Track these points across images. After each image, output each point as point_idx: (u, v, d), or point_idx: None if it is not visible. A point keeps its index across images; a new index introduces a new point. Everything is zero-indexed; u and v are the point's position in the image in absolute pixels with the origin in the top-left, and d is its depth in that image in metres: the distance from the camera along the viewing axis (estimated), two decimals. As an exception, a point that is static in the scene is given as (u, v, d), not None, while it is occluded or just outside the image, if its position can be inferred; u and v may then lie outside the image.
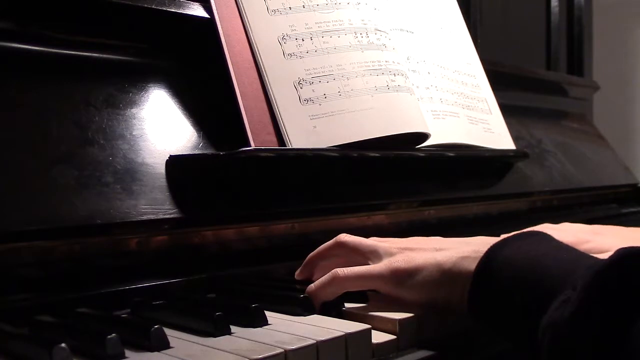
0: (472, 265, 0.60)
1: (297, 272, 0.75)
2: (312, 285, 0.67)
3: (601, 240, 0.84)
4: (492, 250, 0.60)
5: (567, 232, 0.85)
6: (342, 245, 0.72)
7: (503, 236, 0.62)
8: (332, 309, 0.65)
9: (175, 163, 0.74)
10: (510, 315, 0.57)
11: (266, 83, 0.82)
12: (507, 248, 0.59)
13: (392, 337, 0.59)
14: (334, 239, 0.73)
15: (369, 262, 0.69)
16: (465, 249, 0.62)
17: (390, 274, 0.65)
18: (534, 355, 0.52)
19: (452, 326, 0.64)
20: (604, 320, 0.47)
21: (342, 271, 0.66)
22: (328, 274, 0.67)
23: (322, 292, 0.66)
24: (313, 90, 0.84)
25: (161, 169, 0.73)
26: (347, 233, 0.73)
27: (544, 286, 0.54)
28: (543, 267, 0.55)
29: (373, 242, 0.70)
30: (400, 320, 0.60)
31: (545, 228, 0.87)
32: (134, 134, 0.74)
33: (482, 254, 0.60)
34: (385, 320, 0.61)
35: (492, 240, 0.62)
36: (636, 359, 0.46)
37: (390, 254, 0.67)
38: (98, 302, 0.65)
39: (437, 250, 0.65)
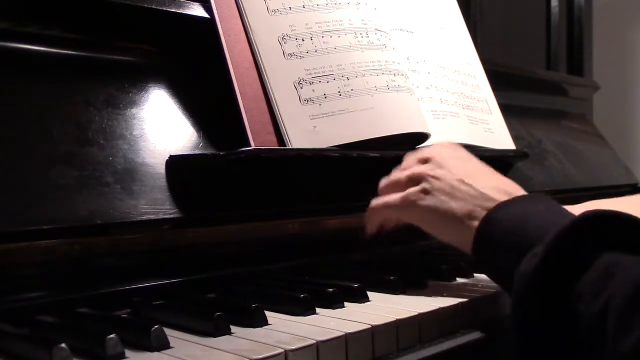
0: (476, 223, 0.67)
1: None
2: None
3: None
4: (494, 210, 0.67)
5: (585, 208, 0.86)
6: (397, 183, 0.77)
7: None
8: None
9: (175, 163, 0.74)
10: (500, 265, 0.64)
11: (266, 83, 0.82)
12: (505, 208, 0.67)
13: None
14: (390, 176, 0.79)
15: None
16: (477, 202, 0.69)
17: (402, 204, 0.74)
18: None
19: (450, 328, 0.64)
20: (557, 275, 0.54)
21: (373, 201, 0.78)
22: None
23: (368, 226, 0.78)
24: (313, 90, 0.84)
25: (161, 169, 0.73)
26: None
27: (525, 240, 0.61)
28: (529, 225, 0.62)
29: (409, 171, 0.76)
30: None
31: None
32: (134, 134, 0.74)
33: (489, 211, 0.67)
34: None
35: (514, 188, 0.70)
36: (574, 313, 0.52)
37: (419, 181, 0.74)
38: (98, 302, 0.65)
39: (452, 197, 0.71)
